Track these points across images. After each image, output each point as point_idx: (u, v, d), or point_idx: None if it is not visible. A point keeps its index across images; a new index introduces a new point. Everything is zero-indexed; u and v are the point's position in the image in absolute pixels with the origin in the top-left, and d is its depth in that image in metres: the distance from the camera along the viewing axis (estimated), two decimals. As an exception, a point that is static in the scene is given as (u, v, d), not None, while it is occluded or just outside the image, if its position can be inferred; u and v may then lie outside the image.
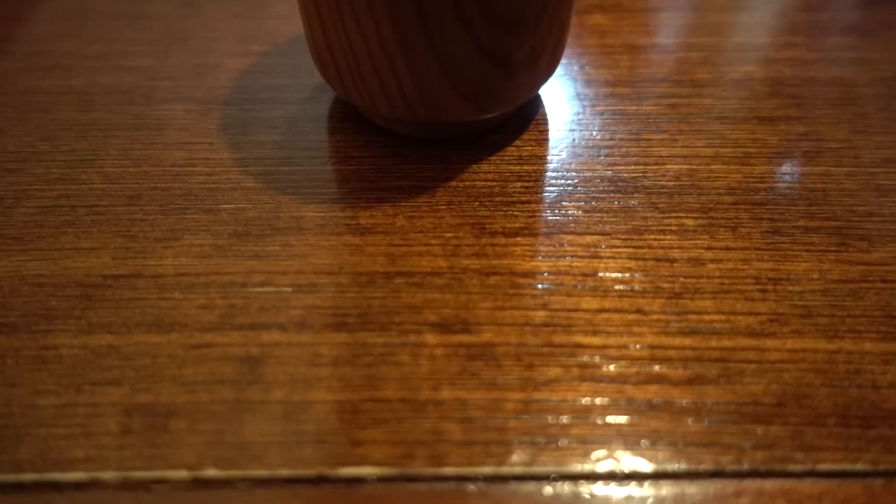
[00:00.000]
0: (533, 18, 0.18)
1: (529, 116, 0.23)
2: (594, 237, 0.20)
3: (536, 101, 0.24)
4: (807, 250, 0.19)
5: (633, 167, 0.22)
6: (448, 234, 0.20)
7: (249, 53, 0.26)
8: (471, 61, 0.19)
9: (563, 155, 0.22)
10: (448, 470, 0.15)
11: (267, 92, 0.24)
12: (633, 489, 0.15)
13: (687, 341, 0.17)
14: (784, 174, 0.21)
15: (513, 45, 0.19)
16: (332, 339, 0.17)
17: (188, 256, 0.19)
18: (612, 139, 0.22)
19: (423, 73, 0.19)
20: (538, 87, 0.22)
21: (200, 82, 0.24)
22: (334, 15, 0.18)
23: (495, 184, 0.21)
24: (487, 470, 0.15)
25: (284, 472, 0.15)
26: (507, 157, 0.22)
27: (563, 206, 0.20)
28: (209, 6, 0.28)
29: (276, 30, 0.27)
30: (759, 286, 0.18)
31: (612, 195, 0.21)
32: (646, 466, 0.15)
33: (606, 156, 0.22)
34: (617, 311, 0.18)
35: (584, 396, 0.16)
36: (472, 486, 0.15)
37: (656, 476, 0.15)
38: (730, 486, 0.15)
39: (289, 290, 0.18)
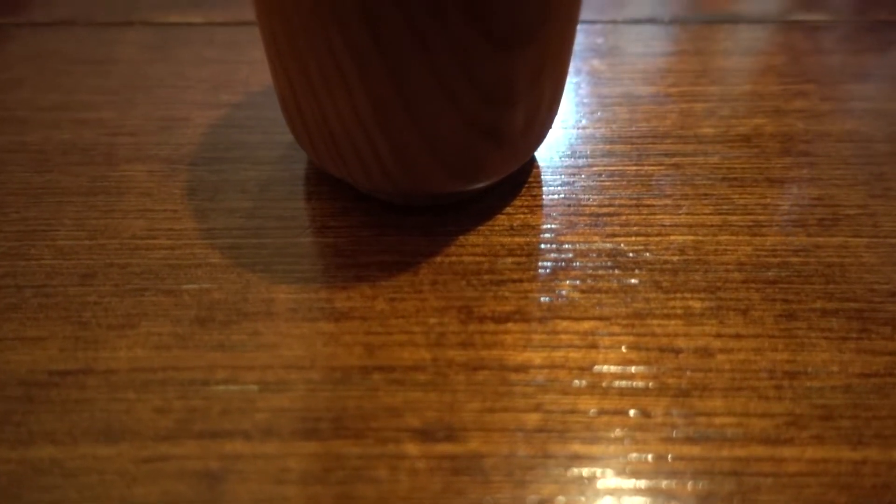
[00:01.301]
0: (526, 87, 0.17)
1: (521, 179, 0.22)
2: (592, 323, 0.18)
3: (529, 161, 0.22)
4: (825, 337, 0.18)
5: (633, 238, 0.20)
6: (432, 320, 0.18)
7: (220, 105, 0.24)
8: (457, 135, 0.17)
9: (558, 224, 0.21)
10: None
11: (237, 150, 0.23)
12: None
13: (696, 450, 0.16)
14: (797, 247, 0.20)
15: (504, 117, 0.17)
16: (301, 450, 0.16)
17: (145, 347, 0.18)
18: (610, 205, 0.21)
19: (405, 147, 0.17)
20: (532, 153, 0.20)
21: (166, 138, 0.23)
22: (305, 84, 0.17)
23: (484, 259, 0.20)
24: None
25: None
26: (496, 227, 0.20)
27: (558, 286, 0.19)
28: (179, 50, 0.26)
29: (250, 78, 0.25)
30: (773, 381, 0.17)
31: (612, 272, 0.19)
32: None
33: (605, 225, 0.20)
34: (617, 412, 0.17)
35: (582, 516, 0.15)
36: None
37: None
38: None
39: (255, 388, 0.17)
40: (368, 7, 0.14)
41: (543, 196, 0.21)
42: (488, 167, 0.19)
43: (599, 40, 0.28)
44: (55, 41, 0.26)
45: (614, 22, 0.29)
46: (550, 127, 0.20)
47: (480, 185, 0.19)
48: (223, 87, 0.25)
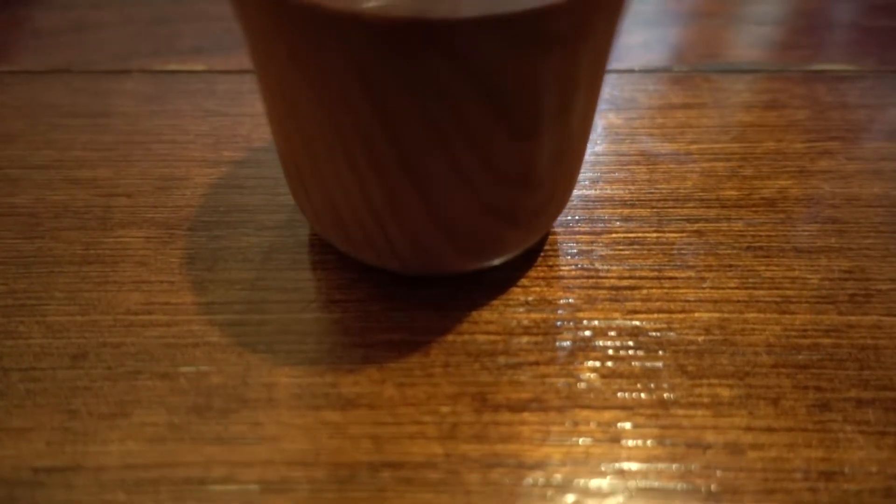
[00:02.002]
0: (545, 170, 0.16)
1: (537, 247, 0.21)
2: (614, 412, 0.17)
3: (544, 227, 0.22)
4: (861, 432, 0.17)
5: (655, 315, 0.19)
6: (444, 409, 0.17)
7: (220, 162, 0.23)
8: (472, 218, 0.16)
9: (576, 298, 0.20)
10: None
11: (238, 213, 0.22)
12: None
13: (728, 563, 0.15)
14: (828, 326, 0.19)
15: (521, 199, 0.17)
16: (304, 561, 0.15)
17: (138, 440, 0.17)
18: (631, 276, 0.20)
19: (415, 229, 0.17)
20: (549, 228, 0.20)
21: (164, 200, 0.22)
22: (310, 164, 0.16)
23: (499, 338, 0.19)
24: None
25: None
26: (511, 302, 0.20)
27: (578, 370, 0.18)
28: (178, 101, 0.25)
29: (252, 132, 0.24)
30: (808, 483, 0.16)
31: (634, 353, 0.18)
32: None
33: (625, 300, 0.20)
34: (643, 517, 0.16)
35: None
36: None
37: None
38: None
39: (255, 488, 0.16)
40: (381, 101, 0.14)
41: (560, 266, 0.21)
42: (503, 246, 0.18)
43: (616, 92, 0.27)
44: (49, 92, 0.26)
45: (630, 71, 0.28)
46: (569, 196, 0.20)
47: (495, 262, 0.19)
48: (224, 143, 0.24)
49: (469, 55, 0.12)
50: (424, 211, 0.16)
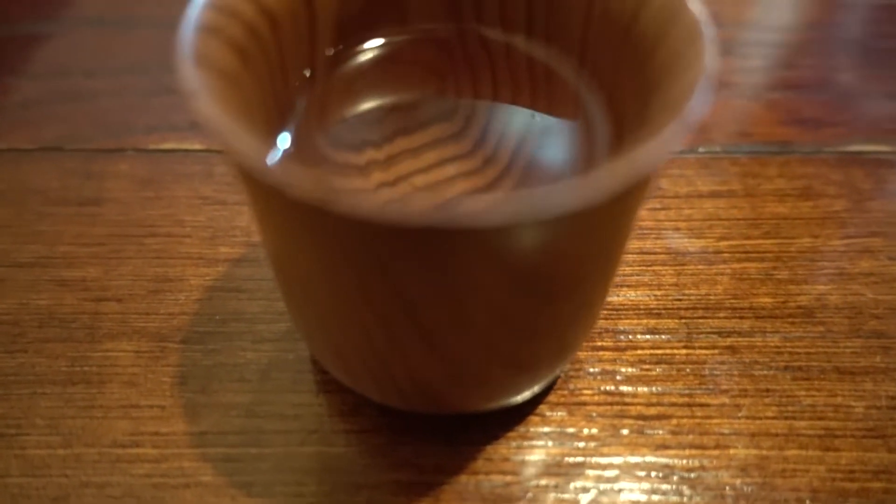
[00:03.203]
0: (564, 325, 0.15)
1: (556, 363, 0.20)
2: (644, 574, 0.16)
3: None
4: None
5: (687, 452, 0.18)
6: (456, 568, 0.16)
7: (217, 260, 0.22)
8: (485, 368, 0.15)
9: (599, 429, 0.18)
10: None
11: (235, 322, 0.21)
12: None
13: None
14: (877, 467, 0.18)
15: (538, 352, 0.15)
16: None
17: None
18: (659, 403, 0.19)
19: (424, 375, 0.15)
20: (567, 364, 0.18)
21: (156, 306, 0.21)
22: (308, 301, 0.15)
23: (515, 480, 0.17)
24: None
25: None
26: (529, 435, 0.18)
27: (603, 519, 0.17)
28: (174, 186, 0.24)
29: (251, 224, 0.23)
30: None
31: (664, 498, 0.17)
32: None
33: (653, 431, 0.18)
34: None
35: None
36: None
37: None
38: None
39: None
40: (398, 283, 0.12)
41: (582, 390, 0.19)
42: (518, 389, 0.17)
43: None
44: (39, 174, 0.25)
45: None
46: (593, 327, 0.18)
47: (509, 404, 0.17)
48: (222, 237, 0.23)
49: (498, 250, 0.11)
50: (434, 361, 0.15)
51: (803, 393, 0.19)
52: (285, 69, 0.15)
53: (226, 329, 0.20)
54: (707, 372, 0.20)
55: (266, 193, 0.12)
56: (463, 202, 0.10)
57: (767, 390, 0.19)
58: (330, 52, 0.16)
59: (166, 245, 0.23)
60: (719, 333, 0.21)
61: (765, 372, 0.20)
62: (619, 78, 0.14)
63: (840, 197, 0.25)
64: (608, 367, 0.20)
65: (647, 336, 0.21)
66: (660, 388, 0.19)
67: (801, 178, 0.25)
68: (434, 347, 0.14)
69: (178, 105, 0.28)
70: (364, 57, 0.17)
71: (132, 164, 0.25)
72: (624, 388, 0.19)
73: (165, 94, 0.28)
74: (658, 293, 0.22)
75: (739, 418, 0.19)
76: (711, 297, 0.22)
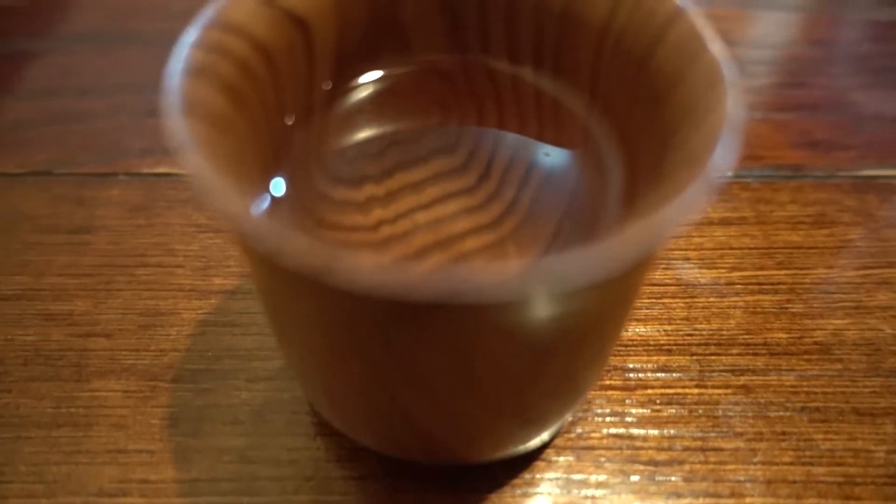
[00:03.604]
0: (572, 380, 0.14)
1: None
2: None
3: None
4: None
5: (701, 500, 0.17)
6: None
7: (210, 291, 0.21)
8: (491, 422, 0.14)
9: (608, 475, 0.17)
10: None
11: (229, 359, 0.20)
12: None
13: None
14: (901, 517, 0.17)
15: (551, 401, 0.15)
16: None
17: None
18: (671, 448, 0.18)
19: (426, 428, 0.15)
20: (580, 405, 0.18)
21: (146, 342, 0.20)
22: (303, 352, 0.14)
23: (522, 531, 0.17)
24: None
25: None
26: (535, 482, 0.17)
27: (613, 574, 0.16)
28: (167, 213, 0.24)
29: (244, 267, 0.23)
30: None
31: (677, 551, 0.16)
32: None
33: (665, 479, 0.17)
34: None
35: None
36: None
37: None
38: None
39: None
40: (401, 352, 0.12)
41: (591, 433, 0.18)
42: (526, 439, 0.16)
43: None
44: (28, 199, 0.24)
45: (660, 171, 0.26)
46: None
47: (516, 453, 0.17)
48: (215, 267, 0.22)
49: (506, 321, 0.11)
50: (435, 415, 0.14)
51: (821, 436, 0.19)
52: (281, 106, 0.14)
53: (219, 367, 0.20)
54: (721, 413, 0.19)
55: (259, 257, 0.11)
56: (470, 275, 0.09)
57: (784, 433, 0.19)
58: (328, 85, 0.15)
59: (158, 276, 0.22)
60: (733, 371, 0.20)
61: (780, 413, 0.19)
62: (632, 115, 0.13)
63: (855, 225, 0.24)
64: (617, 407, 0.19)
65: (658, 374, 0.20)
66: (672, 431, 0.19)
67: (815, 205, 0.25)
68: (437, 404, 0.13)
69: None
70: (363, 89, 0.16)
71: (124, 189, 0.25)
72: (634, 431, 0.19)
73: (159, 115, 0.28)
74: (668, 328, 0.21)
75: (755, 464, 0.18)
76: (724, 332, 0.21)
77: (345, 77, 0.16)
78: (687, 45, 0.12)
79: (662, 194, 0.10)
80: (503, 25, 0.15)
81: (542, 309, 0.10)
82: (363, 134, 0.17)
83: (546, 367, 0.12)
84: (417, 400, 0.13)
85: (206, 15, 0.12)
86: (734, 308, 0.21)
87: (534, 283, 0.09)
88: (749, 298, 0.22)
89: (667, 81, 0.12)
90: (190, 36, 0.11)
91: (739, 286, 0.22)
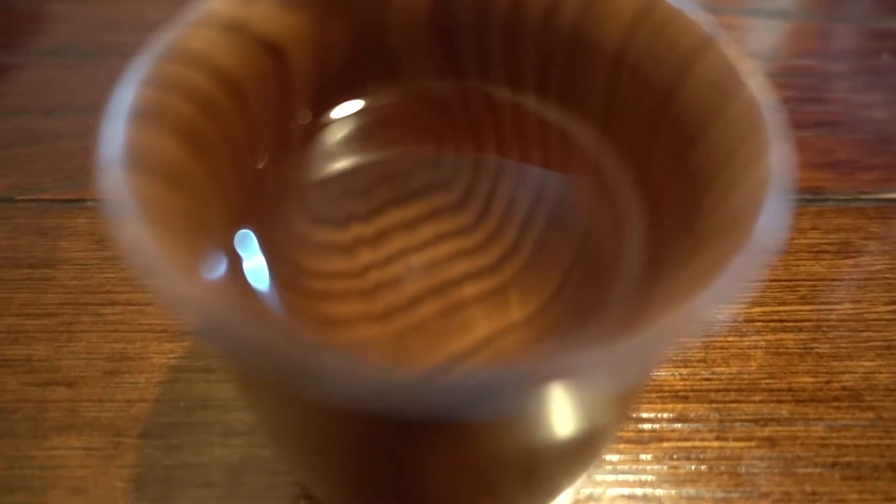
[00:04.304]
0: (591, 454, 0.13)
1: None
2: None
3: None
4: None
5: (725, 572, 0.16)
6: None
7: (183, 333, 0.20)
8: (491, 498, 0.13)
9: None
10: None
11: (202, 409, 0.18)
12: None
13: None
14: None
15: (560, 482, 0.13)
16: None
17: None
18: (690, 510, 0.17)
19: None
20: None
21: (111, 391, 0.19)
22: (286, 441, 0.13)
23: None
24: None
25: None
26: (542, 551, 0.16)
27: None
28: (138, 243, 0.22)
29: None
30: None
31: None
32: None
33: (685, 545, 0.16)
34: None
35: None
36: None
37: None
38: None
39: None
40: (381, 449, 0.10)
41: (605, 490, 0.17)
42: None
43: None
44: (-13, 229, 0.22)
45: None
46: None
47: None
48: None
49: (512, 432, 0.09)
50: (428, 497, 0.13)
51: (855, 496, 0.17)
52: (252, 147, 0.12)
53: (191, 419, 0.18)
54: (744, 470, 0.17)
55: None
56: (471, 384, 0.08)
57: (814, 493, 0.17)
58: (306, 118, 0.14)
59: (126, 315, 0.20)
60: (756, 421, 0.18)
61: (810, 470, 0.18)
62: (652, 154, 0.12)
63: (882, 254, 0.23)
64: (632, 463, 0.18)
65: (674, 424, 0.18)
66: (691, 491, 0.17)
67: (838, 232, 0.23)
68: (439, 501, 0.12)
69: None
70: (347, 120, 0.15)
71: (91, 217, 0.23)
72: (651, 491, 0.17)
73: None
74: (684, 371, 0.19)
75: (784, 529, 0.17)
76: (745, 377, 0.19)
77: (325, 107, 0.14)
78: (719, 79, 0.10)
79: (700, 266, 0.08)
80: (504, 48, 0.14)
81: (559, 414, 0.09)
82: (348, 168, 0.15)
83: (557, 462, 0.11)
84: (415, 499, 0.12)
85: (161, 43, 0.10)
86: (755, 348, 0.20)
87: (544, 394, 0.07)
88: (771, 337, 0.20)
89: (694, 121, 0.10)
90: (139, 70, 0.10)
91: (760, 323, 0.21)
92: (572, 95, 0.14)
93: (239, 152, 0.12)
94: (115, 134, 0.09)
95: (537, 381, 0.08)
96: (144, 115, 0.09)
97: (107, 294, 0.21)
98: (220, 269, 0.12)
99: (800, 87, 0.29)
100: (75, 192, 0.24)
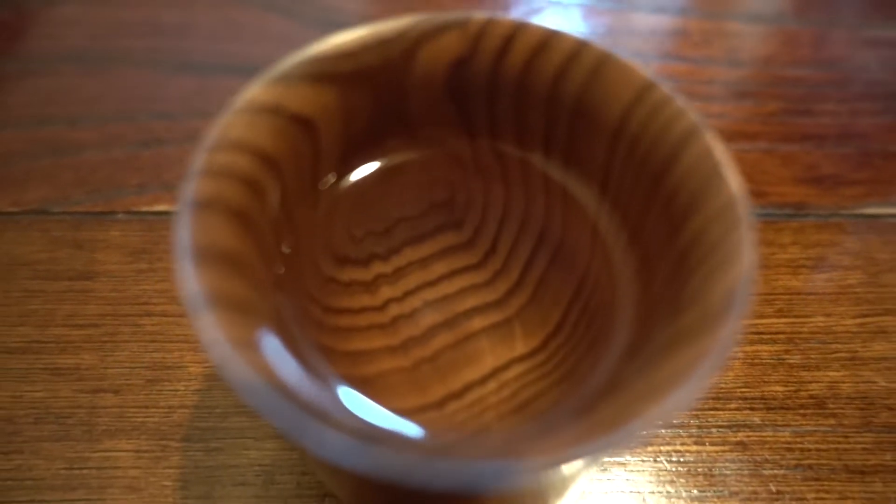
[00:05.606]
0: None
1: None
2: None
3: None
4: None
5: (696, 561, 0.19)
6: None
7: (217, 344, 0.22)
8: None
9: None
10: None
11: (237, 416, 0.21)
12: None
13: None
14: (886, 577, 0.19)
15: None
16: None
17: None
18: (668, 507, 0.20)
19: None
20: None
21: (155, 398, 0.21)
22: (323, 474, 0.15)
23: None
24: None
25: None
26: (538, 542, 0.19)
27: None
28: (168, 256, 0.24)
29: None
30: None
31: None
32: None
33: (663, 538, 0.19)
34: None
35: None
36: None
37: None
38: None
39: None
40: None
41: (595, 486, 0.20)
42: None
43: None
44: (26, 242, 0.24)
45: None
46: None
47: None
48: (220, 316, 0.23)
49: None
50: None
51: (813, 495, 0.20)
52: (289, 216, 0.14)
53: (227, 425, 0.21)
54: (717, 472, 0.20)
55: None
56: (474, 468, 0.10)
57: (777, 494, 0.20)
58: (332, 178, 0.16)
59: (163, 326, 0.23)
60: (730, 427, 0.21)
61: (775, 471, 0.20)
62: (646, 222, 0.14)
63: (855, 269, 0.25)
64: (618, 465, 0.20)
65: (659, 430, 0.21)
66: (672, 490, 0.20)
67: (816, 247, 0.25)
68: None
69: (170, 156, 0.27)
70: (369, 172, 0.17)
71: (123, 230, 0.25)
72: (636, 490, 0.20)
73: (155, 145, 0.28)
74: (668, 381, 0.22)
75: (749, 524, 0.19)
76: (722, 386, 0.22)
77: (349, 167, 0.16)
78: (703, 171, 0.12)
79: (683, 355, 0.10)
80: (513, 114, 0.16)
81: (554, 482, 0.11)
82: (369, 212, 0.18)
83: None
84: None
85: (211, 136, 0.12)
86: (733, 359, 0.23)
87: (547, 465, 0.10)
88: (748, 348, 0.23)
89: (682, 206, 0.12)
90: (196, 162, 0.12)
91: (739, 336, 0.23)
92: (575, 158, 0.16)
93: (277, 225, 0.14)
94: (183, 225, 0.11)
95: (528, 470, 0.10)
96: (203, 205, 0.11)
97: (144, 305, 0.23)
98: (271, 334, 0.14)
99: (791, 98, 0.31)
100: (104, 204, 0.26)
